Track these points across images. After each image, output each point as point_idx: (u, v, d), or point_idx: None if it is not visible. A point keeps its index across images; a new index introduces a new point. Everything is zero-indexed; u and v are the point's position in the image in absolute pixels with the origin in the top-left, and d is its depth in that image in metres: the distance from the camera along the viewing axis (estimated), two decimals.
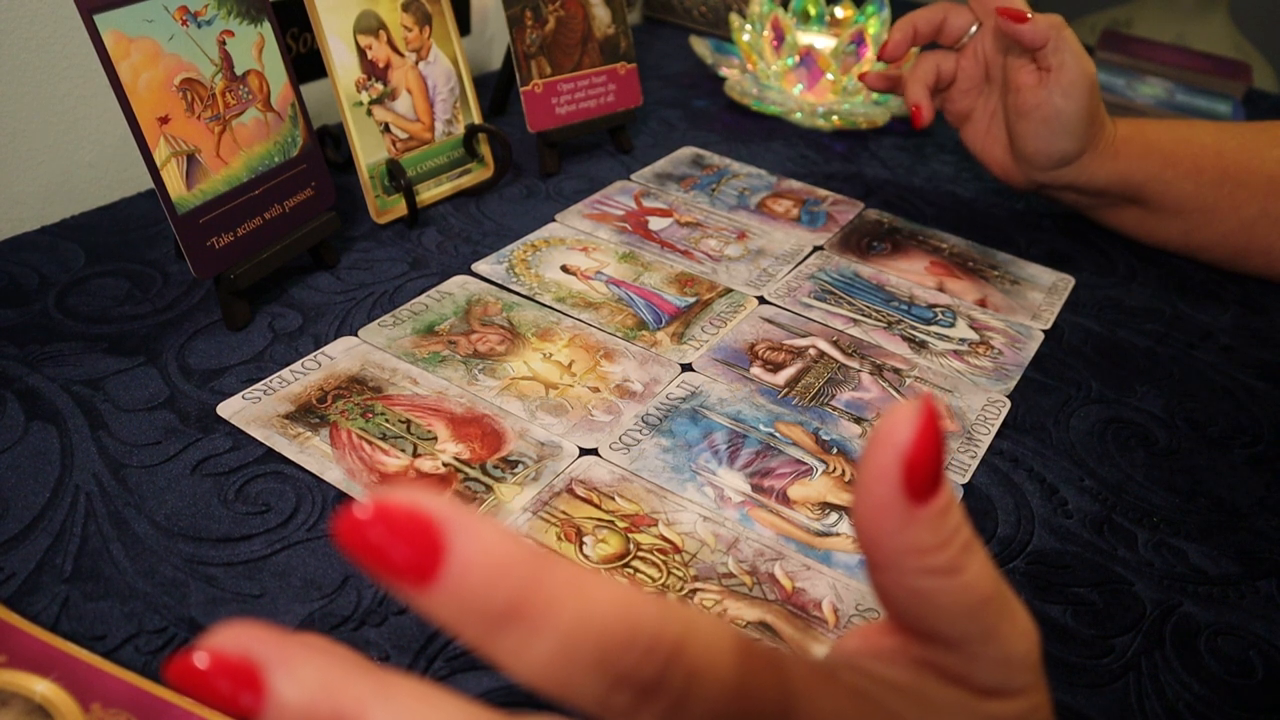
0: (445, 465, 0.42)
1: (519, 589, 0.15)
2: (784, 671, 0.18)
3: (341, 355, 0.48)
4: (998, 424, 0.49)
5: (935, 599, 0.20)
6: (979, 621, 0.20)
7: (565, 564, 0.16)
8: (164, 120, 0.45)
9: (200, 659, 0.16)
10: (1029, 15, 0.59)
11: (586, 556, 0.38)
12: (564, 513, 0.40)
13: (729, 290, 0.57)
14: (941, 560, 0.20)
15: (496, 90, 0.76)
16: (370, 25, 0.58)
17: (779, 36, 0.80)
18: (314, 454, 0.42)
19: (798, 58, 0.81)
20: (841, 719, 0.19)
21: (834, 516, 0.42)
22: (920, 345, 0.54)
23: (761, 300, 0.57)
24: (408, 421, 0.44)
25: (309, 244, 0.53)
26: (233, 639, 0.16)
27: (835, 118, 0.80)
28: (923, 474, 0.19)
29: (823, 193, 0.71)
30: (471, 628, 0.16)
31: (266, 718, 0.16)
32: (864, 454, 0.20)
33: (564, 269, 0.57)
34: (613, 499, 0.41)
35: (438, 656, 0.34)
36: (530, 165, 0.70)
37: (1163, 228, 0.66)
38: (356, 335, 0.50)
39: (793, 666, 0.19)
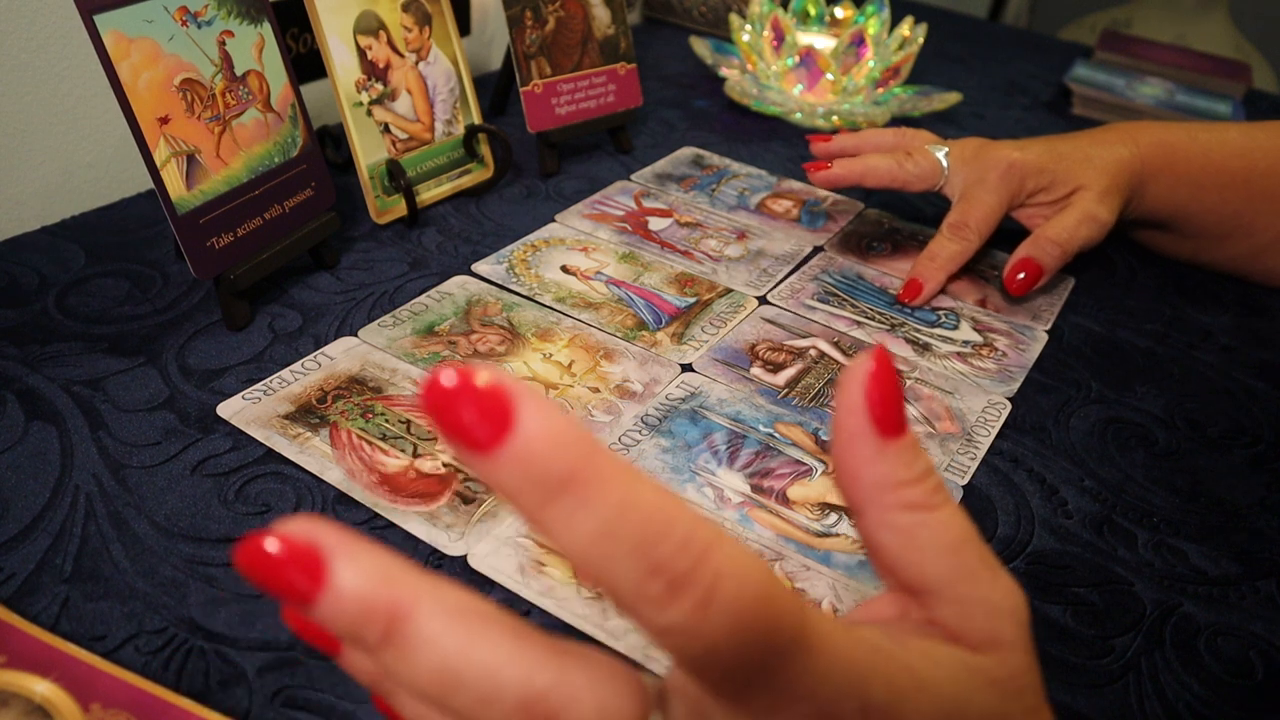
0: (445, 465, 0.42)
1: (575, 464, 0.17)
2: (804, 604, 0.19)
3: (341, 355, 0.48)
4: (998, 426, 0.49)
5: (916, 535, 0.22)
6: (959, 559, 0.22)
7: (617, 455, 0.17)
8: (164, 120, 0.45)
9: (271, 544, 0.17)
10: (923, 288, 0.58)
11: None
12: None
13: (729, 290, 0.57)
14: (917, 494, 0.22)
15: (496, 90, 0.76)
16: (370, 25, 0.58)
17: (779, 37, 0.80)
18: (314, 454, 0.42)
19: (798, 58, 0.81)
20: (856, 659, 0.20)
21: (833, 517, 0.42)
22: (924, 348, 0.54)
23: (762, 301, 0.57)
24: (408, 422, 0.44)
25: (309, 244, 0.53)
26: (301, 528, 0.18)
27: (835, 118, 0.80)
28: (885, 406, 0.21)
29: (823, 193, 0.71)
30: (528, 495, 0.17)
31: (326, 601, 0.18)
32: (835, 399, 0.22)
33: (564, 269, 0.57)
34: None
35: None
36: (530, 165, 0.70)
37: (1173, 246, 0.66)
38: (356, 335, 0.50)
39: (813, 608, 0.20)
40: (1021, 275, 0.57)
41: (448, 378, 0.16)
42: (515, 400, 0.16)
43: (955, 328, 0.56)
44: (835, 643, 0.19)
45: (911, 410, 0.49)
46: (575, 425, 0.17)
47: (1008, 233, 0.60)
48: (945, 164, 0.60)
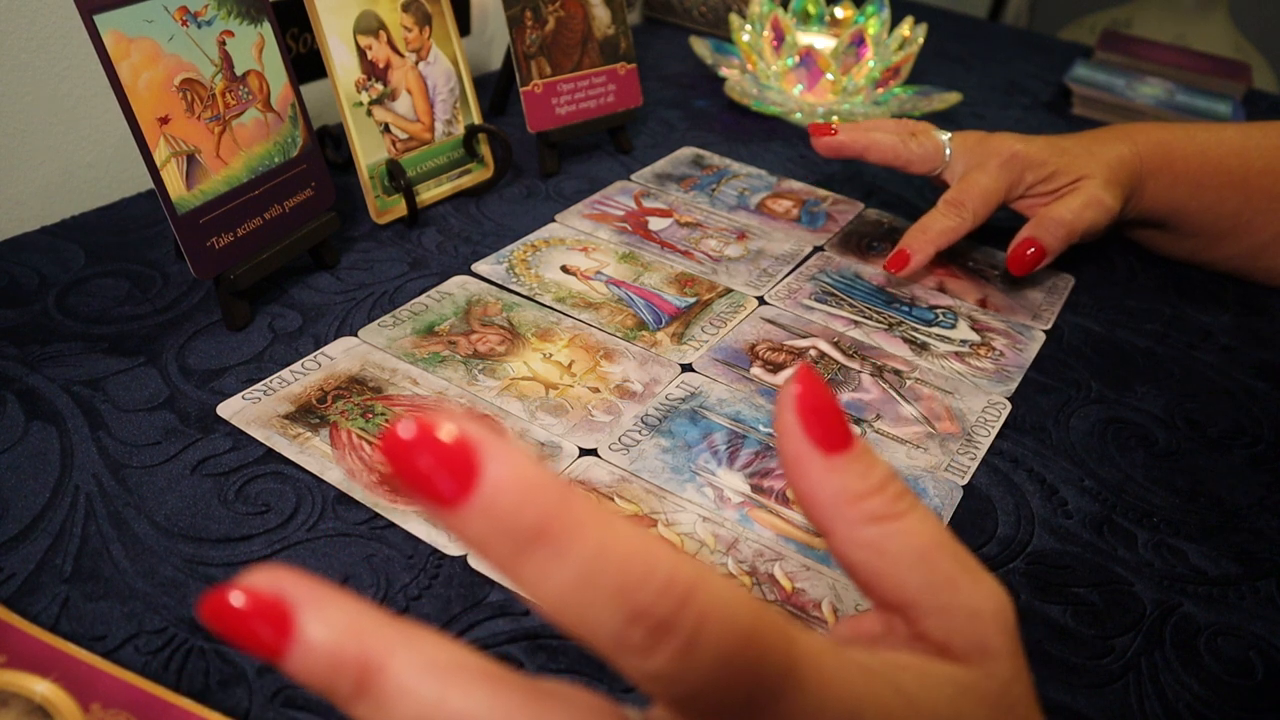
0: None
1: (546, 512, 0.16)
2: (792, 635, 0.19)
3: (341, 355, 0.48)
4: (998, 426, 0.49)
5: (884, 547, 0.21)
6: (934, 567, 0.22)
7: (590, 498, 0.17)
8: (164, 120, 0.45)
9: (235, 597, 0.17)
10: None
11: None
12: None
13: (729, 290, 0.57)
14: (877, 504, 0.21)
15: (496, 90, 0.76)
16: (370, 25, 0.58)
17: (779, 37, 0.80)
18: (314, 454, 0.42)
19: (798, 58, 0.81)
20: (848, 687, 0.19)
21: None
22: (921, 347, 0.54)
23: (762, 301, 0.57)
24: None
25: (309, 244, 0.53)
26: (266, 579, 0.17)
27: (835, 118, 0.80)
28: (821, 423, 0.21)
29: (823, 193, 0.71)
30: (498, 548, 0.16)
31: (294, 656, 0.17)
32: (775, 429, 0.22)
33: (564, 269, 0.57)
34: (612, 500, 0.41)
35: None
36: (530, 165, 0.70)
37: (1172, 245, 0.66)
38: (356, 335, 0.50)
39: (801, 633, 0.19)
40: (1029, 252, 0.57)
41: (405, 429, 0.16)
42: (479, 449, 0.16)
43: (953, 327, 0.56)
44: (826, 672, 0.19)
45: (911, 410, 0.49)
46: (545, 471, 0.16)
47: (1009, 231, 0.60)
48: (948, 148, 0.61)
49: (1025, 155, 0.58)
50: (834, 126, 0.60)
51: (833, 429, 0.21)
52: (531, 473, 0.16)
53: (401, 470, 0.16)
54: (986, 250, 0.65)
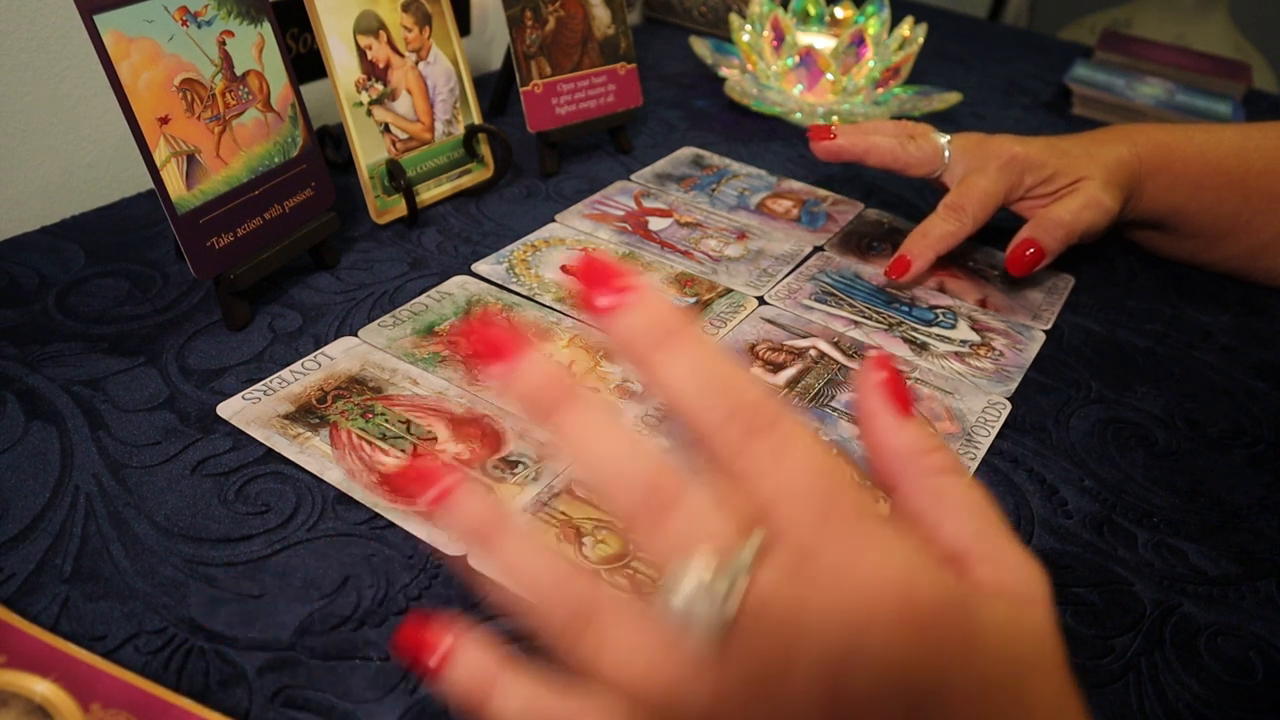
0: (446, 465, 0.42)
1: (678, 325, 0.23)
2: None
3: (341, 355, 0.48)
4: (998, 426, 0.49)
5: (945, 495, 0.25)
6: (986, 518, 0.25)
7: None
8: (164, 120, 0.45)
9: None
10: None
11: (586, 557, 0.38)
12: (563, 513, 0.40)
13: (729, 290, 0.57)
14: (940, 459, 0.25)
15: (496, 90, 0.76)
16: (370, 25, 0.58)
17: (779, 37, 0.80)
18: (314, 454, 0.42)
19: (798, 58, 0.81)
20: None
21: None
22: (921, 347, 0.54)
23: (761, 301, 0.57)
24: (408, 422, 0.44)
25: (309, 244, 0.53)
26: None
27: (835, 118, 0.80)
28: (898, 389, 0.25)
29: (823, 193, 0.71)
30: (642, 340, 0.23)
31: None
32: (855, 387, 0.27)
33: (564, 269, 0.57)
34: None
35: None
36: (530, 165, 0.70)
37: (1172, 246, 0.66)
38: (356, 335, 0.50)
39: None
40: (1029, 253, 0.57)
41: (592, 266, 0.23)
42: (633, 277, 0.23)
43: (953, 327, 0.56)
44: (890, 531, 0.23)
45: None
46: (678, 308, 0.23)
47: (1009, 231, 0.60)
48: (947, 151, 0.61)
49: (1024, 157, 0.58)
50: (833, 130, 0.60)
51: (905, 396, 0.26)
52: (669, 305, 0.23)
53: (587, 281, 0.23)
54: (986, 250, 0.65)
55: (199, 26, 0.47)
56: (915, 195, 0.72)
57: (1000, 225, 0.64)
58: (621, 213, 0.65)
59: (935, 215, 0.59)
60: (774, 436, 0.22)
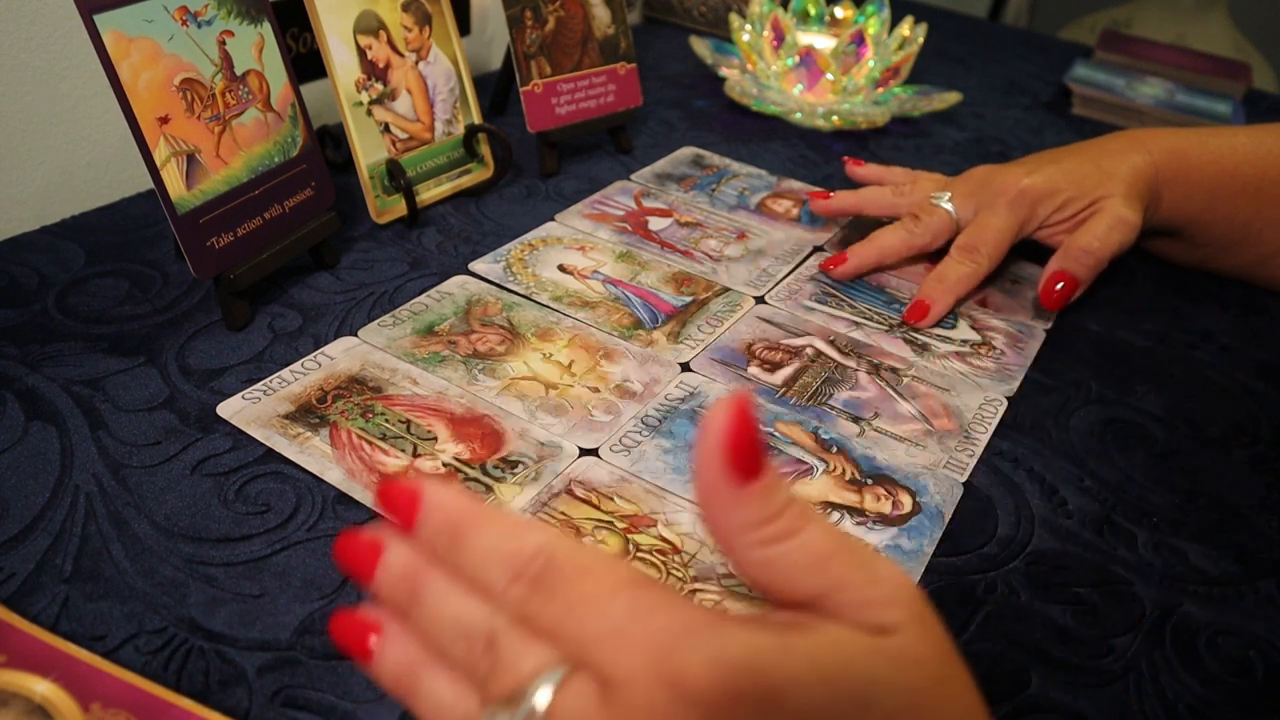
0: (445, 465, 0.42)
1: (462, 519, 0.25)
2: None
3: (341, 355, 0.48)
4: (994, 422, 0.49)
5: (778, 564, 0.24)
6: (823, 575, 0.24)
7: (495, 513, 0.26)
8: (164, 120, 0.45)
9: None
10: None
11: None
12: (563, 513, 0.40)
13: (726, 289, 0.57)
14: (774, 530, 0.24)
15: (496, 90, 0.76)
16: (370, 25, 0.58)
17: (779, 36, 0.80)
18: (314, 454, 0.42)
19: (798, 58, 0.81)
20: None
21: (836, 516, 0.42)
22: (922, 348, 0.54)
23: (758, 300, 0.57)
24: (408, 421, 0.44)
25: (309, 244, 0.53)
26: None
27: (835, 118, 0.80)
28: (741, 457, 0.23)
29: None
30: (441, 546, 0.25)
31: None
32: (694, 457, 0.24)
33: (561, 268, 0.57)
34: (612, 500, 0.41)
35: None
36: (530, 165, 0.70)
37: (1182, 254, 0.65)
38: (356, 335, 0.50)
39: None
40: (1059, 287, 0.56)
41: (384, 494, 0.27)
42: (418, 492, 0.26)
43: (953, 327, 0.56)
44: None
45: (909, 407, 0.49)
46: (459, 498, 0.26)
47: (1020, 243, 0.60)
48: (954, 211, 0.59)
49: (1033, 190, 0.57)
50: (828, 214, 0.64)
51: (750, 460, 0.23)
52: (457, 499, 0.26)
53: (391, 512, 0.26)
54: None
55: (199, 26, 0.47)
56: None
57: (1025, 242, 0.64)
58: (621, 212, 0.65)
59: (950, 259, 0.57)
60: (561, 590, 0.23)
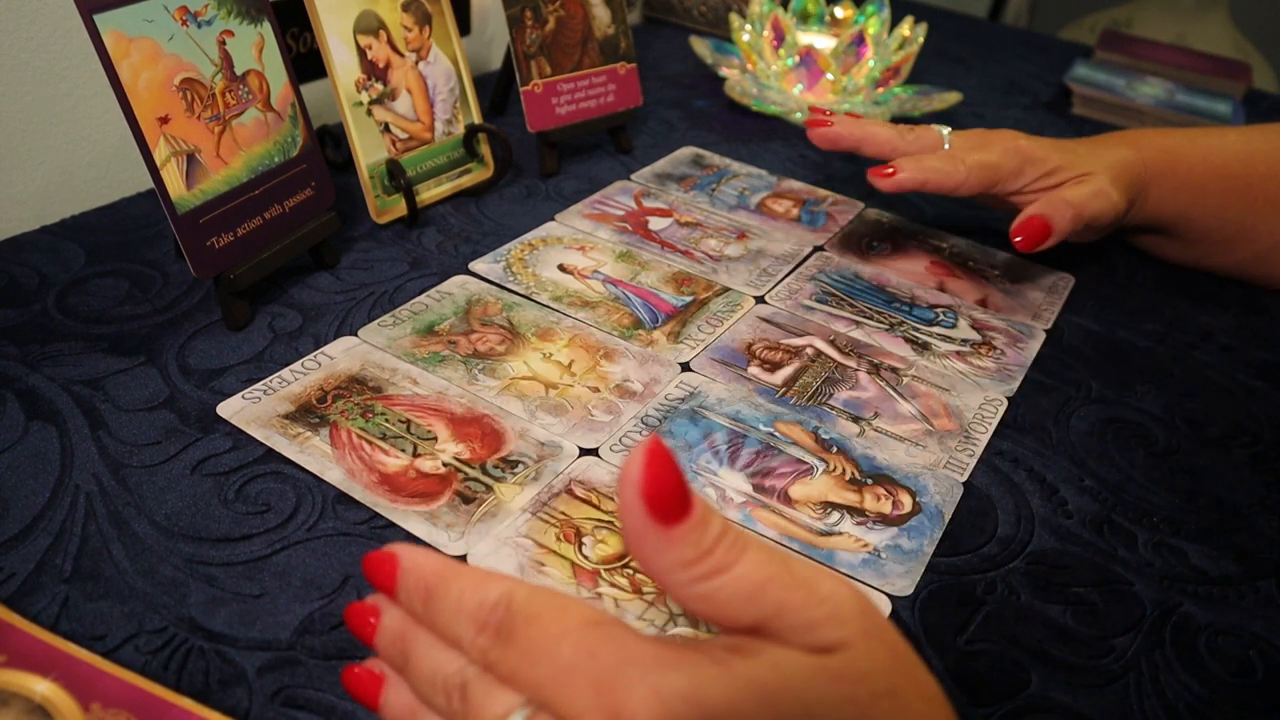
0: (445, 465, 0.42)
1: (430, 584, 0.27)
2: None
3: (341, 355, 0.48)
4: (995, 422, 0.49)
5: (716, 596, 0.24)
6: (762, 603, 0.24)
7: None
8: (164, 120, 0.45)
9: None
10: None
11: (586, 557, 0.38)
12: (563, 513, 0.40)
13: (726, 289, 0.57)
14: (708, 565, 0.24)
15: (496, 90, 0.76)
16: (370, 25, 0.58)
17: (779, 36, 0.80)
18: (314, 454, 0.42)
19: (798, 58, 0.81)
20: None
21: (836, 515, 0.42)
22: (923, 347, 0.54)
23: (758, 300, 0.57)
24: (408, 421, 0.44)
25: (309, 244, 0.53)
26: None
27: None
28: (662, 501, 0.23)
29: (823, 193, 0.71)
30: (415, 603, 0.27)
31: None
32: (618, 505, 0.24)
33: (561, 268, 0.57)
34: (612, 499, 0.41)
35: None
36: (530, 165, 0.70)
37: (1176, 252, 0.66)
38: (356, 335, 0.50)
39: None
40: (1034, 227, 0.55)
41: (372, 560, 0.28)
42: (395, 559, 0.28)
43: (953, 326, 0.56)
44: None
45: (909, 407, 0.49)
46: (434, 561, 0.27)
47: (1008, 224, 0.60)
48: (947, 141, 0.60)
49: (1027, 150, 0.58)
50: (830, 118, 0.60)
51: (673, 504, 0.23)
52: (430, 563, 0.27)
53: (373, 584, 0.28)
54: (987, 250, 0.65)
55: (199, 26, 0.47)
56: (915, 195, 0.72)
57: (998, 228, 0.64)
58: (621, 212, 0.65)
59: (932, 154, 0.58)
60: (518, 637, 0.24)
